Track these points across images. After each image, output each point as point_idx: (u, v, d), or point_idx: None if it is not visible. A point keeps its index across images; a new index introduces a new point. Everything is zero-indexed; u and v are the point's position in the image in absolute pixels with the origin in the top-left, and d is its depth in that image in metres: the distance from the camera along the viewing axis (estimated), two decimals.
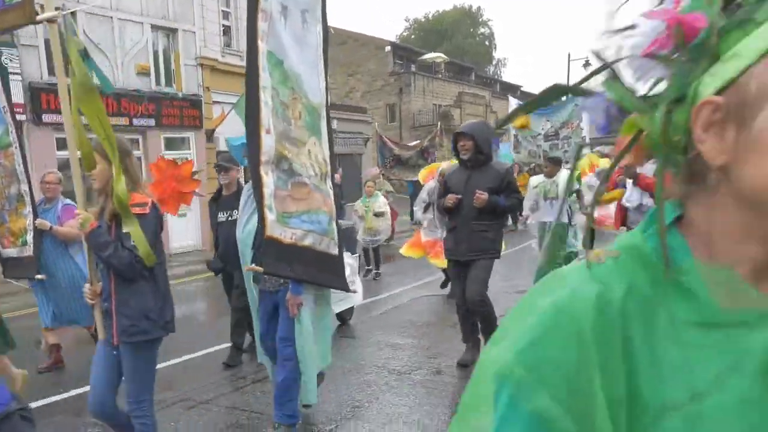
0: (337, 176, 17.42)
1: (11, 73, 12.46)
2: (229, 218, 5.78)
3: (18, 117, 11.94)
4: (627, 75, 0.81)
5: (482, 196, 5.21)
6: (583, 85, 0.86)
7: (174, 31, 15.74)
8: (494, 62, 59.15)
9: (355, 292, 6.86)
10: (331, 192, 4.18)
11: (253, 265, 3.92)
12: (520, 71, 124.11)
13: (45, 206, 5.59)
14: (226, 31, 17.73)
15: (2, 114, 4.68)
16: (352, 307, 7.34)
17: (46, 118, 12.95)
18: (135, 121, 14.65)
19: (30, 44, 12.85)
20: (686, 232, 0.77)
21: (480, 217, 5.41)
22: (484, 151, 5.36)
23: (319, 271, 4.04)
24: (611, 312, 0.72)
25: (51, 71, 13.39)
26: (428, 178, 8.50)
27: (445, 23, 51.93)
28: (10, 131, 4.68)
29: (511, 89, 45.17)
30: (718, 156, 0.71)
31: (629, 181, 6.42)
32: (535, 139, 12.15)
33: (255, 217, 3.98)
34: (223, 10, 17.37)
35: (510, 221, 13.34)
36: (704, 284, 0.74)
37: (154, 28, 15.25)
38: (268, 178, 3.67)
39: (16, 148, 4.64)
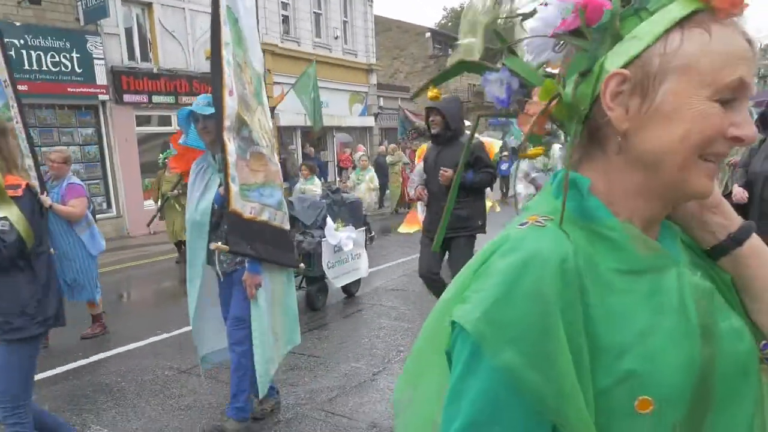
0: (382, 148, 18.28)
1: (95, 58, 13.84)
2: None
3: (101, 97, 13.07)
4: (524, 55, 0.85)
5: (446, 173, 4.93)
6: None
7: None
8: None
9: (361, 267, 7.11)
10: (279, 165, 3.84)
11: (219, 243, 3.46)
12: None
13: (52, 183, 5.45)
14: (285, 19, 19.14)
15: (2, 88, 4.38)
16: (359, 280, 7.34)
17: (127, 98, 14.34)
18: None
19: (112, 32, 14.16)
20: (595, 191, 0.82)
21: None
22: (452, 126, 5.05)
23: (275, 247, 3.69)
24: (568, 269, 0.75)
25: (131, 56, 14.53)
26: (420, 158, 8.83)
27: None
28: (11, 105, 4.38)
29: None
30: (623, 123, 0.78)
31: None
32: None
33: (209, 194, 3.63)
34: (282, 2, 18.83)
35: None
36: (628, 237, 0.80)
37: None
38: (231, 146, 3.29)
39: (17, 122, 4.32)
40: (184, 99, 14.65)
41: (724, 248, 0.89)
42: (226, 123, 3.22)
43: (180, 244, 9.59)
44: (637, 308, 0.78)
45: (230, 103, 3.23)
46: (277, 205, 3.68)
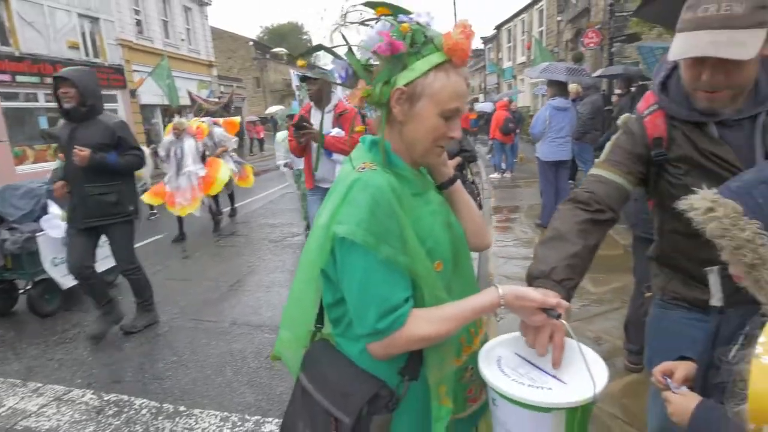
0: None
1: None
2: None
3: None
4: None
5: (82, 152, 4.18)
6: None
7: (96, 19, 19.28)
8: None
9: None
10: None
11: None
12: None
13: None
14: (138, 22, 21.94)
15: None
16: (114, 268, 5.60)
17: None
18: None
19: None
20: (394, 150, 1.34)
21: (93, 179, 4.35)
22: (87, 102, 4.29)
23: None
24: (397, 191, 1.23)
25: None
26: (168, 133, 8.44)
27: (284, 30, 72.98)
28: None
29: None
30: (400, 116, 1.30)
31: None
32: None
33: None
34: (134, 9, 21.63)
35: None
36: (412, 174, 1.35)
37: (81, 16, 18.56)
38: None
39: None
40: (48, 80, 15.33)
41: (444, 185, 1.49)
42: None
43: None
44: (425, 213, 1.31)
45: None
46: None
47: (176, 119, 8.33)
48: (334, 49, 1.31)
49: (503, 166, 13.56)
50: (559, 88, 7.54)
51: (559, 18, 24.32)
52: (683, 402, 1.24)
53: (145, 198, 7.82)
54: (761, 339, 0.85)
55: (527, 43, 27.85)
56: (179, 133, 8.02)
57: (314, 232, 1.26)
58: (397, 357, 1.27)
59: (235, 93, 20.89)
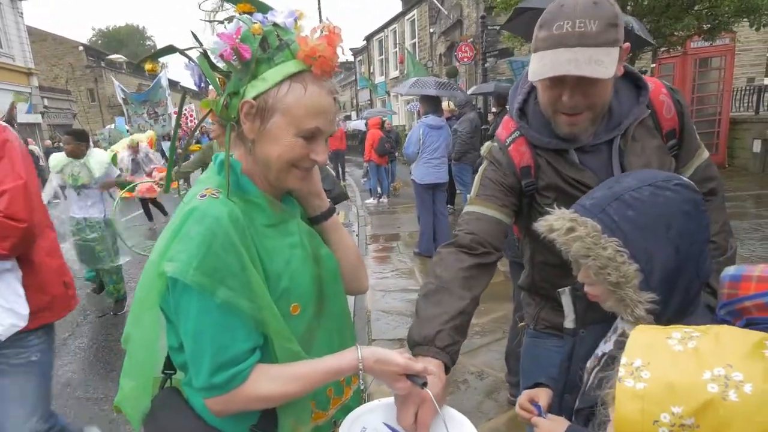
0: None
1: None
2: None
3: None
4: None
5: None
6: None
7: None
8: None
9: None
10: None
11: None
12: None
13: None
14: None
15: None
16: None
17: None
18: None
19: None
20: (245, 173, 1.28)
21: None
22: None
23: None
24: (240, 224, 1.17)
25: None
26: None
27: (122, 34, 70.11)
28: None
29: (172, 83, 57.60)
30: (251, 134, 1.23)
31: None
32: (142, 116, 14.45)
33: None
34: None
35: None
36: (266, 202, 1.28)
37: None
38: None
39: None
40: None
41: (317, 220, 1.45)
42: None
43: None
44: (281, 247, 1.26)
45: None
46: None
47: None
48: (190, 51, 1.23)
49: (379, 190, 13.75)
50: (431, 104, 7.81)
51: (431, 30, 25.08)
52: (552, 427, 1.33)
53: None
54: (623, 360, 0.89)
55: (400, 56, 28.58)
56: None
57: (146, 268, 1.20)
58: (247, 412, 1.24)
59: (15, 107, 19.37)
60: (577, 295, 1.47)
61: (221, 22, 1.23)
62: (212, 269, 1.11)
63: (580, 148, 1.65)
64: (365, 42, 36.67)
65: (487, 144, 1.83)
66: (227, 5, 1.27)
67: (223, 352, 1.13)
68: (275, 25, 1.21)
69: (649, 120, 1.67)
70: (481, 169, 1.81)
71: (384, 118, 15.40)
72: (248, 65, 1.18)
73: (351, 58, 41.31)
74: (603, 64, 1.41)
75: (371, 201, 13.65)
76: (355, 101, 41.80)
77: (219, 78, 1.24)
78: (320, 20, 1.21)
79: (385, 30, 32.78)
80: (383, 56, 33.98)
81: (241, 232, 1.17)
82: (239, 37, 1.17)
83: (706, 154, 1.78)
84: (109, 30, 71.55)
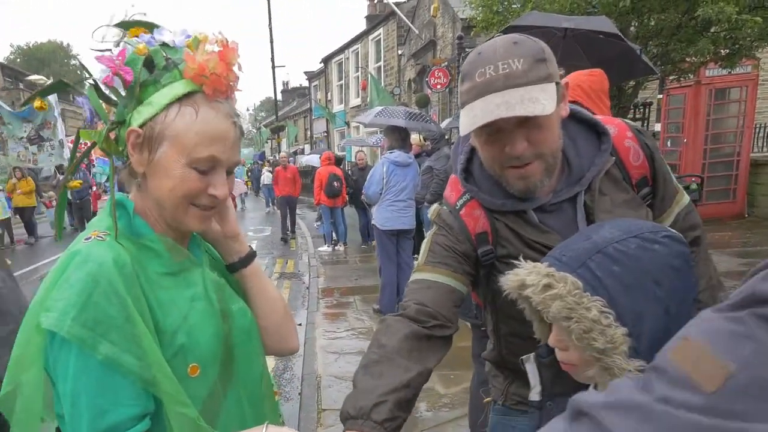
0: None
1: None
2: None
3: None
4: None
5: None
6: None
7: None
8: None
9: None
10: None
11: None
12: None
13: None
14: None
15: None
16: None
17: None
18: None
19: None
20: (139, 213, 1.28)
21: None
22: None
23: None
24: (127, 270, 1.17)
25: None
26: None
27: (43, 52, 70.44)
28: None
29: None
30: (139, 167, 1.24)
31: None
32: (22, 141, 13.25)
33: None
34: None
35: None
36: (163, 247, 1.28)
37: None
38: None
39: None
40: None
41: (234, 267, 1.47)
42: None
43: None
44: (178, 299, 1.26)
45: None
46: None
47: None
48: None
49: (334, 236, 13.75)
50: (398, 137, 7.79)
51: (399, 51, 25.31)
52: None
53: None
54: None
55: (362, 81, 28.80)
56: None
57: (24, 320, 1.18)
58: None
59: None
60: (542, 362, 1.47)
61: (108, 50, 1.23)
62: (93, 321, 1.10)
63: (540, 207, 1.67)
64: (322, 65, 37.03)
65: (435, 207, 1.84)
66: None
67: (101, 418, 1.11)
68: (164, 44, 1.24)
69: (615, 169, 1.69)
70: (429, 234, 1.81)
71: (360, 149, 15.41)
72: (132, 90, 1.20)
73: (305, 83, 41.14)
74: (538, 101, 1.44)
75: (325, 248, 13.64)
76: (309, 132, 41.77)
77: (107, 107, 1.26)
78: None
79: (346, 51, 33.06)
80: (343, 81, 34.24)
81: (129, 280, 1.16)
82: (125, 60, 1.19)
83: (686, 198, 1.81)
84: (29, 47, 71.44)
